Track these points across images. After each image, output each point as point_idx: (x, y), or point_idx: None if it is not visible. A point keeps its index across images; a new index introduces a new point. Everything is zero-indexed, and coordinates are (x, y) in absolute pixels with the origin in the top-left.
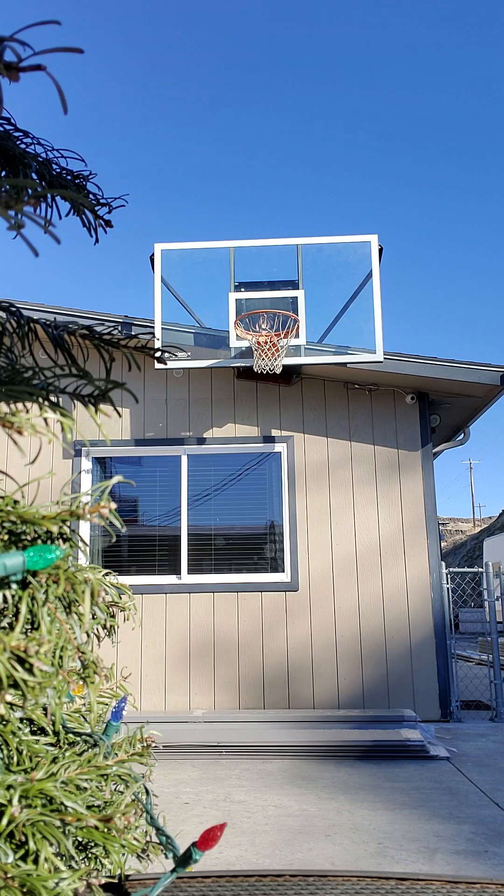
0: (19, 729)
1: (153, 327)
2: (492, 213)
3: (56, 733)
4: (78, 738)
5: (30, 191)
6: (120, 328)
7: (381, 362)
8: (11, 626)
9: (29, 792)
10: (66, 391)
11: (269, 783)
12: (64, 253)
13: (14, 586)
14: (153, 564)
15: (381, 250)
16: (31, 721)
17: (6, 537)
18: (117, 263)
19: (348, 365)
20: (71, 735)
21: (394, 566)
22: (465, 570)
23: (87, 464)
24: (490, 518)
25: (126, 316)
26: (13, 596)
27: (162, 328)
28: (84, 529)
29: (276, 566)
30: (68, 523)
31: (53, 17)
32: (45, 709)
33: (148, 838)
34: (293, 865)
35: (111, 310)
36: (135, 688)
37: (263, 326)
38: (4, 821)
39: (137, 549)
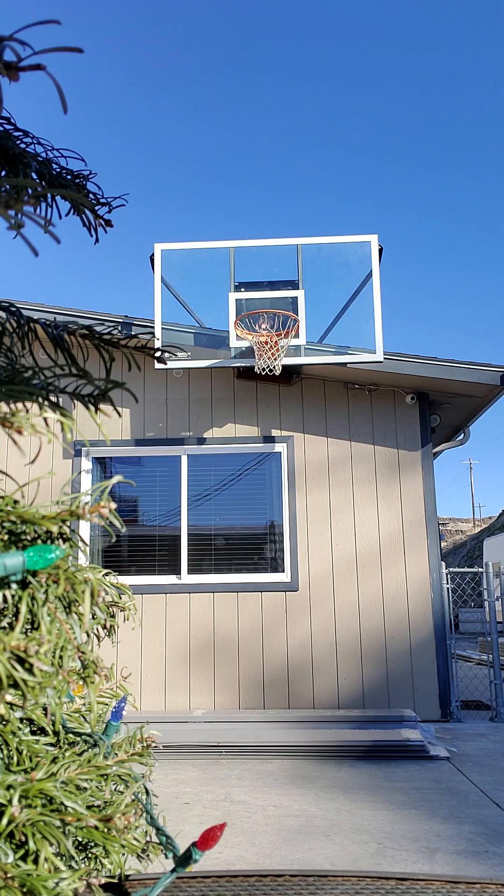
0: (19, 729)
1: (153, 327)
2: (492, 213)
3: (56, 733)
4: (78, 738)
5: (30, 190)
6: (120, 328)
7: (381, 362)
8: (11, 626)
9: (29, 792)
10: (66, 391)
11: (269, 783)
12: (64, 253)
13: (14, 586)
14: (153, 564)
15: (380, 250)
16: (31, 721)
17: (6, 537)
18: (117, 263)
19: (348, 365)
20: (71, 735)
21: (394, 566)
22: (465, 570)
23: (87, 464)
24: (490, 518)
25: (126, 316)
26: (13, 596)
27: (162, 328)
28: (84, 529)
29: (276, 566)
30: (68, 523)
31: (53, 17)
32: (45, 709)
33: (148, 838)
34: (293, 865)
35: (111, 310)
36: (135, 688)
37: (263, 326)
38: (4, 821)
39: (137, 549)
